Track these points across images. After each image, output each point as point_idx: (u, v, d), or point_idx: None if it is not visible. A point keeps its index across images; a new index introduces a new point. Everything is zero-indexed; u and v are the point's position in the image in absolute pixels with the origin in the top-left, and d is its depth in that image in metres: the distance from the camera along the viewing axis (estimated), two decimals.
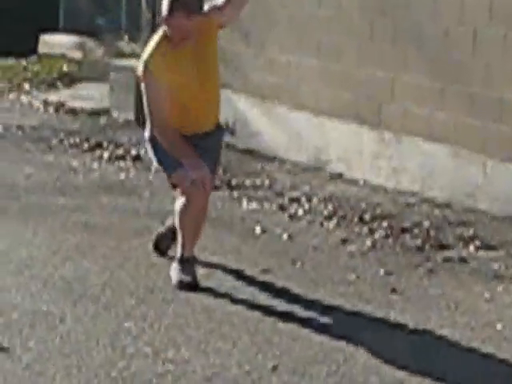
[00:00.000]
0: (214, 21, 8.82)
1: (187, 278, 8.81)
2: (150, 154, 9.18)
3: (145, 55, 8.64)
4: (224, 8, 8.88)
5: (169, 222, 9.63)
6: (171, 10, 8.40)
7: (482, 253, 10.13)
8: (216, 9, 8.88)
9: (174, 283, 8.85)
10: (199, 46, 8.71)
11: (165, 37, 8.62)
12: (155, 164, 9.20)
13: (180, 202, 8.79)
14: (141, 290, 8.81)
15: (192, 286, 8.76)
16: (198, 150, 8.67)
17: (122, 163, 14.41)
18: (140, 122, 17.58)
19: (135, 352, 7.38)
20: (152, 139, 8.92)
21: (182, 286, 8.77)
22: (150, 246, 9.73)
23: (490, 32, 11.69)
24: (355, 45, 13.54)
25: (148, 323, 8.01)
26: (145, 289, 8.85)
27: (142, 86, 8.72)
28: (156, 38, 8.70)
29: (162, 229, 9.79)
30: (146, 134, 9.06)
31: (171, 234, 9.56)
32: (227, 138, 15.79)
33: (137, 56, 18.99)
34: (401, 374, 7.03)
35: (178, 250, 8.98)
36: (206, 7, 8.76)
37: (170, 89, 8.59)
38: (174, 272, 8.91)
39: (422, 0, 12.55)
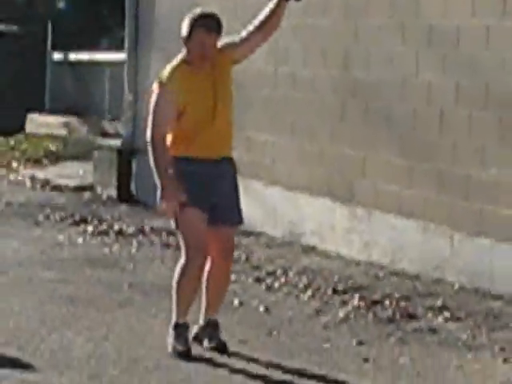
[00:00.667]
0: (228, 55, 8.81)
1: (179, 347, 8.75)
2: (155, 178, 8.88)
3: (163, 73, 8.68)
4: (238, 45, 8.89)
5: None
6: (192, 28, 8.56)
7: (450, 323, 10.15)
8: (231, 44, 8.90)
9: (169, 350, 8.79)
10: (215, 74, 8.71)
11: (183, 61, 8.68)
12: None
13: (179, 263, 8.93)
14: (124, 359, 8.79)
15: (185, 354, 8.71)
16: (214, 177, 8.72)
17: (105, 237, 14.44)
18: (122, 198, 17.66)
19: None
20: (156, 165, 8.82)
21: (176, 353, 8.73)
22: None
23: (456, 112, 11.77)
24: (328, 125, 13.61)
25: None
26: (128, 359, 8.82)
27: (152, 98, 8.64)
28: (174, 61, 8.74)
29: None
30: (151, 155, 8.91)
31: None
32: None
33: (119, 135, 19.09)
34: None
35: (173, 316, 8.95)
36: (222, 42, 8.85)
37: (183, 108, 8.55)
38: (170, 339, 8.85)
39: (390, 82, 12.64)
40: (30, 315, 10.18)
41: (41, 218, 15.85)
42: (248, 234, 14.45)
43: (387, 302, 10.82)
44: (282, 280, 11.78)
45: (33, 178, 20.23)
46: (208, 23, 8.58)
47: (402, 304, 10.79)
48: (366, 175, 13.01)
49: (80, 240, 14.24)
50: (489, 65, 11.39)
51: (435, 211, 12.05)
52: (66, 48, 27.74)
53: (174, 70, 8.64)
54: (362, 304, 10.82)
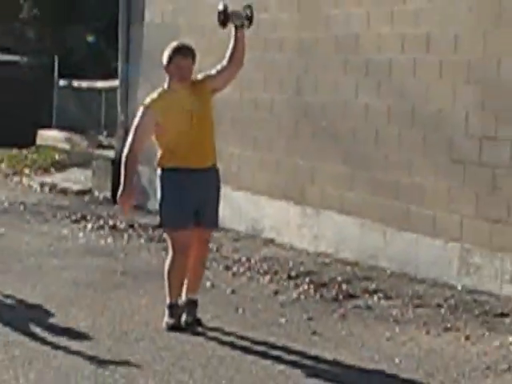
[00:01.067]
0: (207, 84, 8.91)
1: (172, 322, 8.79)
2: (158, 190, 9.03)
3: (147, 98, 8.78)
4: (215, 77, 8.97)
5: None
6: (170, 56, 8.70)
7: (383, 302, 10.15)
8: (210, 76, 8.99)
9: (164, 326, 8.82)
10: (193, 98, 8.72)
11: (163, 88, 8.79)
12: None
13: (168, 259, 8.95)
14: (117, 332, 8.80)
15: (176, 327, 8.75)
16: (199, 184, 8.73)
17: (101, 232, 14.39)
18: (115, 199, 17.58)
19: (112, 381, 7.38)
20: (161, 177, 8.93)
21: (169, 327, 8.77)
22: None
23: (388, 130, 11.80)
24: (283, 140, 13.59)
25: (123, 358, 8.00)
26: (120, 331, 8.83)
27: (136, 117, 8.75)
28: (157, 89, 8.85)
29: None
30: (158, 171, 9.02)
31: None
32: None
33: (113, 148, 19.03)
34: None
35: (167, 298, 8.94)
36: (202, 74, 9.05)
37: (164, 125, 8.63)
38: (165, 317, 8.86)
39: (335, 105, 12.66)
40: (40, 295, 10.19)
41: (49, 216, 15.81)
42: (218, 229, 14.42)
43: (332, 285, 10.81)
44: (246, 267, 11.77)
45: (42, 183, 20.14)
46: (183, 50, 8.76)
47: (344, 286, 10.78)
48: (314, 181, 13.02)
49: (81, 234, 14.20)
50: (415, 91, 11.42)
51: (371, 210, 12.07)
52: (69, 76, 27.64)
53: (157, 94, 8.76)
54: (311, 286, 10.80)
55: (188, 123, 8.66)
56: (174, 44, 8.90)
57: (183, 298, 9.05)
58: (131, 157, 8.73)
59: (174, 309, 8.90)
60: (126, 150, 8.80)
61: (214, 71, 9.05)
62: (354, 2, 12.32)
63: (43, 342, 8.45)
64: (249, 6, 9.02)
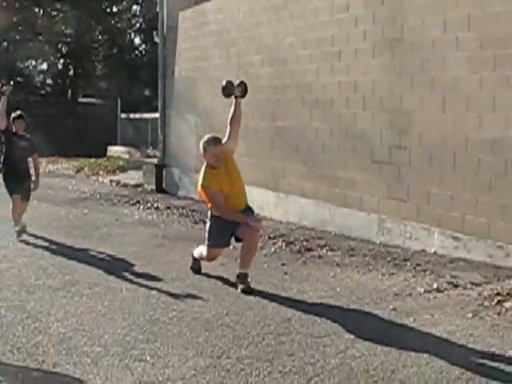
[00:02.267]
0: (228, 152, 8.34)
1: (243, 286, 8.08)
2: (207, 226, 8.56)
3: (200, 178, 8.25)
4: (230, 143, 8.41)
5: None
6: (205, 148, 8.17)
7: (329, 253, 10.16)
8: (227, 144, 8.39)
9: (239, 291, 8.03)
10: (226, 163, 8.26)
11: (207, 165, 8.27)
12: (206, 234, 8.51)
13: (203, 248, 8.67)
14: (161, 276, 8.77)
15: (247, 288, 8.01)
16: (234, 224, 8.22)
17: (149, 211, 14.39)
18: (158, 190, 17.64)
19: (155, 301, 7.41)
20: (210, 218, 8.45)
21: (244, 291, 7.99)
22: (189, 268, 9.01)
23: (331, 144, 11.82)
24: (264, 151, 13.61)
25: (163, 289, 8.02)
26: (163, 275, 8.80)
27: (206, 196, 8.26)
28: (203, 168, 8.30)
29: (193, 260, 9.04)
30: (209, 213, 8.53)
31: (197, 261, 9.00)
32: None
33: (156, 157, 19.07)
34: (289, 314, 7.06)
35: (194, 259, 8.96)
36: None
37: (219, 190, 8.16)
38: (238, 284, 8.18)
39: (296, 128, 12.67)
40: (110, 251, 10.22)
41: (115, 201, 15.78)
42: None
43: (297, 242, 10.81)
44: None
45: (111, 180, 20.15)
46: (213, 142, 8.18)
47: (305, 243, 10.77)
48: (285, 176, 13.02)
49: (136, 212, 14.18)
50: (347, 118, 11.45)
51: (321, 195, 12.10)
52: (127, 111, 27.78)
53: (204, 174, 8.23)
54: (284, 244, 10.79)
55: (229, 185, 8.20)
56: (205, 138, 8.24)
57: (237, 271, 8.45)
58: (227, 212, 8.20)
59: (196, 262, 8.94)
60: (223, 213, 8.20)
61: (226, 139, 8.41)
62: (309, 60, 12.33)
63: (108, 278, 8.49)
64: (243, 82, 8.62)
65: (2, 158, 11.41)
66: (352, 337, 6.40)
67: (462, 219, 9.54)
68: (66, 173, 22.91)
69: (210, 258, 8.69)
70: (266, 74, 13.56)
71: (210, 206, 8.43)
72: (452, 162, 9.65)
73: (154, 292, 7.92)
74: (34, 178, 11.58)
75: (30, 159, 11.55)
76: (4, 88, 10.94)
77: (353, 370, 5.57)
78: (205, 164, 8.34)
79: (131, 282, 8.41)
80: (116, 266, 9.27)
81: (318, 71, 12.13)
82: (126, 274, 8.81)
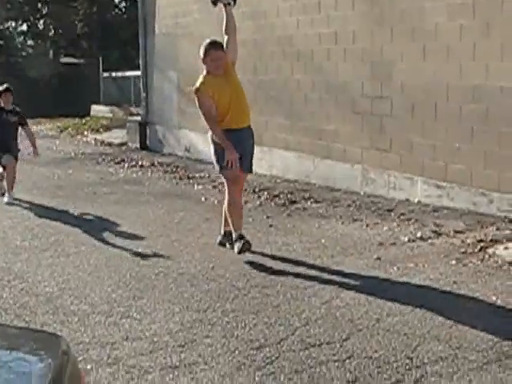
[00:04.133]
0: (229, 62, 7.58)
1: (240, 243, 7.38)
2: (211, 151, 7.71)
3: (196, 83, 7.47)
4: (229, 54, 7.61)
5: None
6: (205, 50, 7.46)
7: (314, 205, 10.18)
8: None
9: (236, 251, 7.40)
10: (226, 74, 7.51)
11: (206, 73, 7.51)
12: (213, 160, 7.70)
13: (225, 202, 7.76)
14: (147, 232, 8.79)
15: (246, 243, 7.37)
16: (239, 140, 7.50)
17: (134, 169, 14.35)
18: (142, 147, 17.56)
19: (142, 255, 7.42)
20: (213, 141, 7.61)
21: (243, 250, 7.36)
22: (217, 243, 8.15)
23: (312, 96, 11.78)
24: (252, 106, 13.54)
25: (149, 244, 8.03)
26: (147, 230, 8.82)
27: (196, 102, 7.50)
28: (201, 75, 7.54)
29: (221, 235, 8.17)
30: (209, 134, 7.69)
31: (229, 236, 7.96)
32: (186, 153, 15.81)
33: (140, 114, 18.97)
34: (274, 266, 7.07)
35: (233, 234, 7.61)
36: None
37: (213, 100, 7.39)
38: (237, 246, 7.43)
39: (278, 81, 12.60)
40: (95, 210, 10.17)
41: (100, 160, 15.73)
42: (208, 163, 14.38)
43: (281, 195, 10.82)
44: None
45: (95, 139, 20.05)
46: (215, 45, 7.47)
47: (289, 196, 10.78)
48: (268, 130, 12.97)
49: (121, 171, 14.14)
50: (329, 70, 11.39)
51: (304, 147, 12.08)
52: (109, 70, 27.61)
53: (202, 79, 7.48)
54: (268, 197, 10.82)
55: (229, 98, 7.48)
56: (207, 40, 7.58)
57: (222, 231, 8.10)
58: (215, 129, 7.46)
59: (242, 237, 7.50)
60: (210, 127, 7.52)
61: (224, 47, 7.67)
62: (289, 12, 12.22)
63: (93, 237, 8.47)
64: None
65: None
66: (337, 287, 6.43)
67: (445, 168, 9.54)
68: (50, 133, 22.73)
69: (233, 184, 7.67)
70: (246, 28, 13.39)
71: (204, 120, 7.67)
72: (433, 111, 9.63)
73: (139, 249, 7.92)
74: (31, 148, 11.54)
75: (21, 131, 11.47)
76: None
77: (337, 319, 5.60)
78: (204, 71, 7.60)
79: (117, 240, 8.39)
80: (101, 225, 9.25)
81: (298, 24, 12.03)
82: (112, 233, 8.80)
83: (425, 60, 9.70)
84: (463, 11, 9.11)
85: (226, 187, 7.81)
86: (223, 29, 7.83)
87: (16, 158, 11.19)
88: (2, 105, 11.14)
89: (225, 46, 7.68)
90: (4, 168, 11.08)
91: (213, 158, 7.71)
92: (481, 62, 8.93)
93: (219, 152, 7.54)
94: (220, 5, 7.88)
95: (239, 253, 7.39)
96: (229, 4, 7.85)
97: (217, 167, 7.71)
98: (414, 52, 9.83)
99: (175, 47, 16.22)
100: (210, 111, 7.47)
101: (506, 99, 8.68)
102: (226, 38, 7.77)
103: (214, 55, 7.45)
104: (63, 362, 2.31)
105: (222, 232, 8.09)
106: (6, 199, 10.92)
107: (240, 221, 7.69)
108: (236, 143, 7.46)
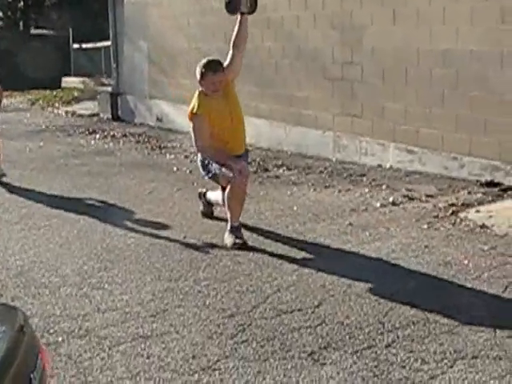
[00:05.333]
0: (228, 80, 6.98)
1: (238, 240, 6.72)
2: (200, 169, 7.24)
3: (191, 105, 6.93)
4: (229, 68, 6.99)
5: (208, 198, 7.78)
6: (202, 74, 6.81)
7: (286, 172, 10.14)
8: (227, 70, 6.97)
9: (229, 245, 6.70)
10: (225, 94, 6.95)
11: (201, 92, 6.91)
12: (203, 174, 7.24)
13: (226, 191, 6.87)
14: (118, 201, 8.72)
15: (242, 244, 6.69)
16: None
17: (105, 140, 14.16)
18: (114, 118, 17.40)
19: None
20: (202, 160, 7.11)
21: (236, 246, 6.68)
22: (200, 213, 7.87)
23: (283, 62, 11.70)
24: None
25: (118, 214, 7.97)
26: (119, 200, 8.74)
27: (191, 124, 6.94)
28: (196, 94, 6.96)
29: (203, 205, 7.86)
30: (198, 156, 7.20)
31: (210, 206, 7.79)
32: (158, 123, 15.69)
33: (110, 85, 18.79)
34: (246, 234, 7.02)
35: (228, 223, 6.93)
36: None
37: (209, 125, 6.83)
38: (229, 238, 6.79)
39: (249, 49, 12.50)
40: (67, 183, 10.02)
41: (71, 132, 15.46)
42: (180, 133, 14.26)
43: (253, 163, 10.69)
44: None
45: (66, 111, 19.72)
46: (213, 66, 6.83)
47: (261, 163, 10.73)
48: (239, 97, 12.86)
49: (93, 142, 13.93)
50: (300, 36, 11.30)
51: (276, 114, 12.01)
52: (80, 41, 27.36)
53: (198, 101, 6.89)
54: None
55: (228, 122, 6.94)
56: (204, 61, 6.90)
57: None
58: (207, 152, 6.93)
59: (238, 230, 6.88)
60: (198, 150, 7.05)
61: (227, 63, 7.06)
62: None
63: (64, 210, 8.37)
64: None
65: None
66: (308, 254, 6.42)
67: (417, 132, 9.53)
68: (21, 106, 22.41)
69: (239, 173, 6.83)
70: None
71: (195, 144, 7.15)
72: (404, 76, 9.59)
73: (110, 220, 7.84)
74: None
75: None
76: None
77: (309, 286, 5.58)
78: (199, 90, 7.02)
79: (88, 211, 8.30)
80: (72, 197, 9.14)
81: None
82: (83, 204, 8.71)
83: (395, 24, 9.65)
84: None
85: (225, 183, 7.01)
86: (232, 39, 7.17)
87: None
88: None
89: (228, 60, 7.11)
90: None
91: (201, 170, 7.23)
92: (451, 25, 8.90)
93: (210, 161, 7.03)
94: (237, 13, 7.18)
95: (231, 247, 6.69)
96: (248, 13, 7.17)
97: (206, 175, 7.20)
98: (384, 17, 9.77)
99: (145, 16, 16.02)
100: (205, 134, 6.89)
101: (476, 63, 8.66)
102: (231, 51, 7.16)
103: (212, 79, 6.84)
104: (19, 334, 2.26)
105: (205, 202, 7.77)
106: None
107: (240, 210, 6.99)
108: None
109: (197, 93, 6.99)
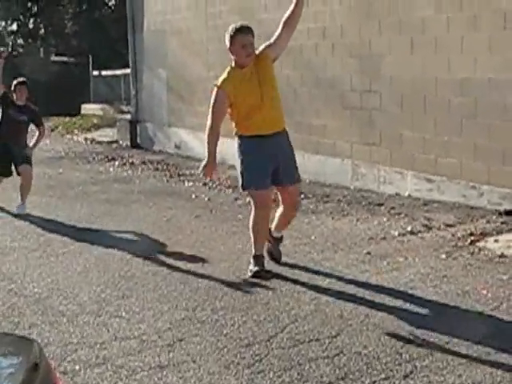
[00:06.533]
0: (267, 55, 6.52)
1: (255, 269, 6.57)
2: (236, 163, 6.81)
3: (219, 79, 6.52)
4: (273, 45, 6.56)
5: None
6: (232, 36, 6.42)
7: (304, 200, 9.97)
8: (268, 46, 6.59)
9: (249, 275, 6.56)
10: (258, 72, 6.43)
11: (231, 67, 6.50)
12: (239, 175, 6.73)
13: (251, 214, 6.74)
14: (137, 229, 8.75)
15: (260, 275, 6.53)
16: (270, 149, 6.54)
17: (124, 167, 14.25)
18: (132, 145, 17.48)
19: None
20: (239, 147, 6.72)
21: (254, 275, 6.54)
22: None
23: (302, 90, 11.72)
24: None
25: (135, 240, 7.99)
26: (138, 228, 8.78)
27: (212, 97, 6.54)
28: (226, 70, 6.56)
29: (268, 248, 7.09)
30: (235, 141, 6.82)
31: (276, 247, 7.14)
32: (177, 150, 15.75)
33: (130, 112, 18.89)
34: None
35: (253, 250, 6.76)
36: (261, 46, 6.62)
37: (235, 100, 6.43)
38: (251, 266, 6.65)
39: None
40: (86, 211, 10.08)
41: (90, 158, 15.58)
42: (198, 160, 14.29)
43: None
44: (217, 183, 11.60)
45: (85, 138, 19.86)
46: (242, 29, 6.43)
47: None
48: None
49: (111, 169, 14.03)
50: (318, 65, 11.35)
51: (295, 143, 12.01)
52: (99, 68, 27.57)
53: (227, 74, 6.51)
54: None
55: (258, 97, 6.43)
56: (233, 25, 6.53)
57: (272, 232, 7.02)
58: (212, 134, 6.59)
59: (259, 259, 6.68)
60: (207, 129, 6.62)
61: (272, 40, 6.65)
62: (276, 8, 12.15)
63: (83, 237, 8.41)
64: None
65: None
66: (326, 283, 6.40)
67: (435, 161, 9.52)
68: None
69: (261, 208, 6.64)
70: (233, 24, 13.35)
71: (233, 125, 6.75)
72: (422, 105, 9.60)
73: (129, 248, 7.86)
74: (31, 145, 10.38)
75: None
76: (1, 49, 10.13)
77: (327, 315, 5.57)
78: (230, 64, 6.58)
79: (106, 239, 8.35)
80: (91, 224, 9.19)
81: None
82: (101, 232, 8.75)
83: (413, 53, 9.67)
84: (450, 3, 9.08)
85: (251, 203, 6.82)
86: (284, 18, 6.69)
87: (23, 163, 10.17)
88: (16, 99, 10.03)
89: (274, 37, 6.67)
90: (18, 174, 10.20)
91: (238, 170, 6.78)
92: (469, 54, 8.91)
93: (246, 162, 6.64)
94: None
95: (252, 276, 6.55)
96: None
97: (240, 182, 6.76)
98: (402, 45, 9.80)
99: (164, 44, 16.15)
100: (220, 113, 6.57)
101: (495, 91, 8.66)
102: (280, 29, 6.66)
103: (243, 40, 6.41)
104: (34, 366, 2.26)
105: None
106: (15, 210, 9.92)
107: (264, 240, 6.79)
108: (269, 153, 6.57)
109: (227, 68, 6.58)
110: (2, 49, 10.13)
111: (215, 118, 6.56)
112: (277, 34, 6.66)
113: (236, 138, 6.73)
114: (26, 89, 10.12)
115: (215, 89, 6.51)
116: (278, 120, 6.72)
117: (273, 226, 7.03)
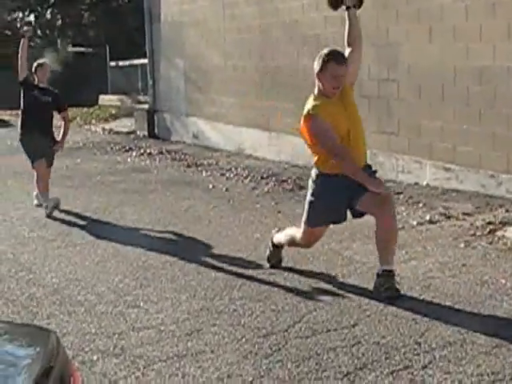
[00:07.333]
0: (348, 84, 5.83)
1: (273, 261, 6.59)
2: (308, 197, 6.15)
3: (308, 108, 5.71)
4: (349, 72, 5.73)
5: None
6: (323, 63, 5.63)
7: None
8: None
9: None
10: (343, 96, 5.73)
11: (317, 94, 5.75)
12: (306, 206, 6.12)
13: (299, 232, 6.26)
14: (154, 218, 8.77)
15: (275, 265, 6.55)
16: (352, 186, 5.71)
17: (142, 157, 14.32)
18: (150, 135, 17.52)
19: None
20: (315, 182, 6.02)
21: (269, 261, 6.60)
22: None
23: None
24: (254, 90, 13.45)
25: (152, 229, 7.99)
26: (156, 218, 8.79)
27: (312, 129, 5.71)
28: (310, 97, 5.81)
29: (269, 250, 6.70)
30: (313, 172, 6.10)
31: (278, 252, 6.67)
32: (194, 140, 15.76)
33: (147, 102, 18.91)
34: (282, 253, 7.00)
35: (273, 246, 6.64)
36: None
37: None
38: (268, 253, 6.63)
39: (285, 63, 12.49)
40: (103, 201, 10.12)
41: (108, 149, 15.70)
42: (216, 150, 14.39)
43: (289, 181, 10.78)
44: (234, 173, 11.70)
45: (103, 128, 20.03)
46: (338, 58, 5.64)
47: (297, 181, 10.74)
48: (276, 114, 12.90)
49: (129, 159, 14.09)
50: None
51: None
52: (117, 59, 27.57)
53: (316, 102, 5.70)
54: (276, 183, 10.78)
55: (346, 129, 5.70)
56: (326, 51, 5.75)
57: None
58: (345, 156, 5.68)
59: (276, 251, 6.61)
60: (338, 158, 5.65)
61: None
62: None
63: (101, 227, 8.45)
64: None
65: (20, 116, 9.62)
66: (344, 272, 6.38)
67: (454, 150, 9.47)
68: (58, 123, 22.60)
69: (307, 242, 6.32)
70: (251, 13, 13.34)
71: (316, 158, 5.96)
72: (441, 93, 9.54)
73: (147, 238, 7.89)
74: (59, 138, 9.76)
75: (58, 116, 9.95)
76: (25, 28, 9.61)
77: (345, 305, 5.54)
78: (315, 92, 5.85)
79: (124, 228, 8.39)
80: (109, 215, 9.21)
81: (303, 8, 11.94)
82: (119, 221, 8.77)
83: (431, 42, 9.61)
84: None
85: (302, 225, 6.21)
86: (345, 38, 6.12)
87: (52, 155, 9.76)
88: (37, 81, 9.57)
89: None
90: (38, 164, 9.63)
91: (306, 205, 6.16)
92: (488, 42, 8.84)
93: (318, 200, 6.02)
94: (340, 7, 6.30)
95: (268, 261, 6.60)
96: (354, 7, 6.19)
97: (304, 217, 6.15)
98: (420, 33, 9.74)
99: (181, 34, 16.15)
100: (331, 133, 5.68)
101: None
102: (348, 50, 6.01)
103: (336, 70, 5.64)
104: (52, 356, 2.27)
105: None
106: (46, 203, 9.39)
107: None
108: (346, 191, 5.81)
109: (311, 97, 5.86)
110: (25, 28, 9.57)
111: (332, 142, 5.69)
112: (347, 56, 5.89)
113: (315, 170, 6.03)
114: (47, 70, 9.71)
115: (309, 118, 5.73)
116: (362, 155, 5.97)
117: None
